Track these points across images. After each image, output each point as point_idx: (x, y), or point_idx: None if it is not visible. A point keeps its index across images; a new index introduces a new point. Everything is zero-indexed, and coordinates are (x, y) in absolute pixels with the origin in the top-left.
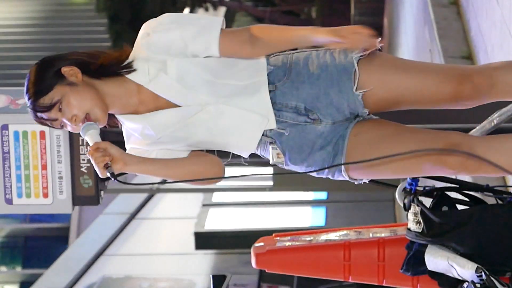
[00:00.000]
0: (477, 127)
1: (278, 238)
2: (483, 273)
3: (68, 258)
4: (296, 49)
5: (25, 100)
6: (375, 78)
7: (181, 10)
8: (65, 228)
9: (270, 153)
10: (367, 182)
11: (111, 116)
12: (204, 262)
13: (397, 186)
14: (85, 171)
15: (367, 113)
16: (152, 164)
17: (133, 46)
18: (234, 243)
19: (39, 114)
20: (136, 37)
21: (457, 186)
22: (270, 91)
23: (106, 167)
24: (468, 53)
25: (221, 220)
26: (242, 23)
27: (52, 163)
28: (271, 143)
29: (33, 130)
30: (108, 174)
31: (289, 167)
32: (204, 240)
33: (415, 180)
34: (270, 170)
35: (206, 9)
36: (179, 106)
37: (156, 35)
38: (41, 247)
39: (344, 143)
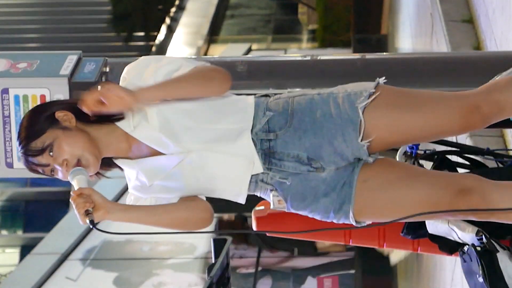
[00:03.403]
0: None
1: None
2: (483, 236)
3: (69, 222)
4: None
5: (24, 65)
6: (381, 124)
7: None
8: (66, 192)
9: (271, 200)
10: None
11: (107, 163)
12: None
13: (397, 150)
14: None
15: (371, 160)
16: (136, 212)
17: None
18: (235, 206)
19: (30, 159)
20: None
21: (458, 149)
22: (270, 140)
23: (87, 213)
24: (469, 17)
25: None
26: (239, 11)
27: None
28: (272, 190)
29: (33, 94)
30: (88, 221)
31: (290, 211)
32: None
33: (415, 144)
34: None
35: None
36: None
37: (134, 78)
38: (42, 211)
39: (351, 190)
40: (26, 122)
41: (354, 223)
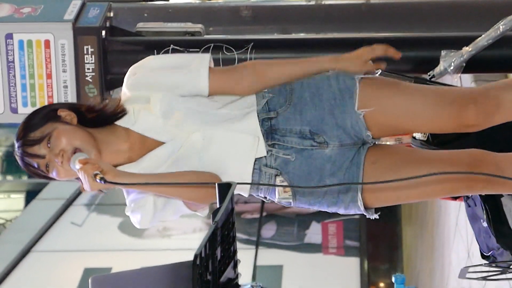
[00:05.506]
0: (483, 35)
1: None
2: None
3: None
4: None
5: (28, 10)
6: (374, 100)
7: None
8: None
9: (276, 189)
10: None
11: None
12: None
13: (410, 77)
14: (90, 80)
15: (370, 136)
16: (145, 176)
17: None
18: None
19: (26, 150)
20: None
21: None
22: (271, 118)
23: (95, 176)
24: None
25: None
26: None
27: (57, 72)
28: (276, 175)
29: (37, 39)
30: (98, 181)
31: (296, 202)
32: None
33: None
34: None
35: None
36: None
37: (142, 74)
38: None
39: (359, 171)
40: (26, 118)
41: (362, 209)
